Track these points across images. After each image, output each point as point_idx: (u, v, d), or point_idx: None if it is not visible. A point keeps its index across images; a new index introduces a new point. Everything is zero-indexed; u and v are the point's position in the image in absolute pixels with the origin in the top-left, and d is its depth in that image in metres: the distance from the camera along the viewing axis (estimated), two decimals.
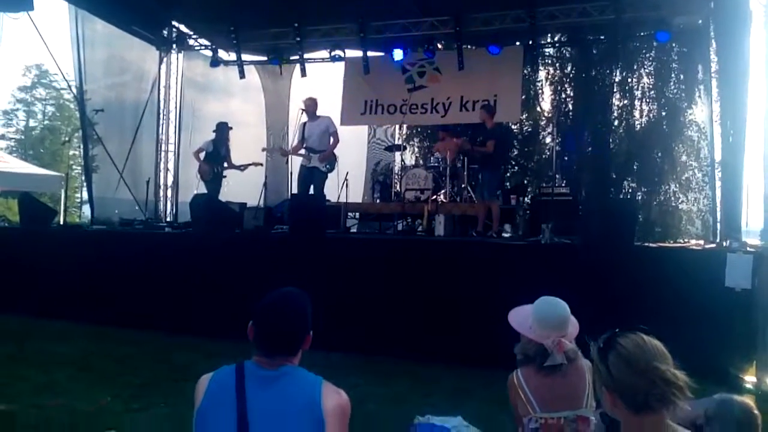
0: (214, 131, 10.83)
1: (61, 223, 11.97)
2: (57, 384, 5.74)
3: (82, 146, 12.94)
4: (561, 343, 2.88)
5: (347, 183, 10.81)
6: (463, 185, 10.60)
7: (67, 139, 29.82)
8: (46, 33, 11.40)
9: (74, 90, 12.56)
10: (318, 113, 10.23)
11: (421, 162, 12.34)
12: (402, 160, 12.30)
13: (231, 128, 10.96)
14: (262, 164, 11.06)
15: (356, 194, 12.18)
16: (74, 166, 28.62)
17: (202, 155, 10.81)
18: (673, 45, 11.81)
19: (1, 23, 10.59)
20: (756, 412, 2.64)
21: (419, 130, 14.39)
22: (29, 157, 35.69)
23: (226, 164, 10.85)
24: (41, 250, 9.14)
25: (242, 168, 10.85)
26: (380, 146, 13.83)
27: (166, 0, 12.07)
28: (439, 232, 9.29)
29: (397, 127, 13.63)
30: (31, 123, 44.50)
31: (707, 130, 10.71)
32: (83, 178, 14.86)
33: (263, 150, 12.47)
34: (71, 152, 27.11)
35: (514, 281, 6.59)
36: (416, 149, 14.58)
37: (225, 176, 10.91)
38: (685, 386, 1.80)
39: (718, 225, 9.30)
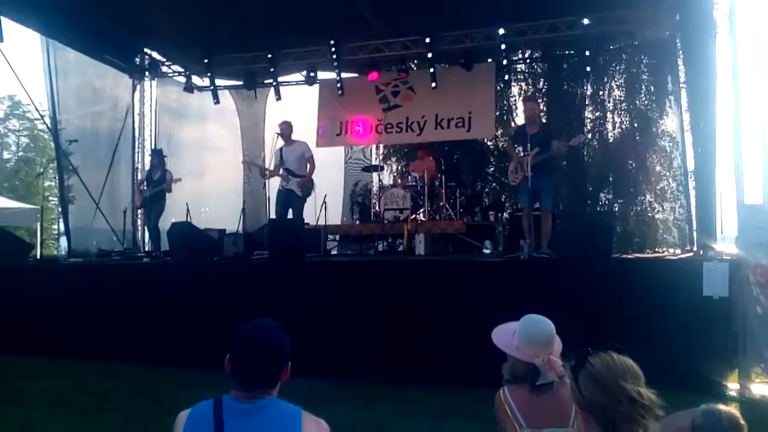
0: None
1: (38, 256, 11.82)
2: (36, 424, 5.60)
3: (57, 177, 12.83)
4: (551, 362, 2.87)
5: (326, 205, 10.80)
6: (441, 203, 10.63)
7: (41, 170, 29.57)
8: (18, 64, 11.31)
9: (48, 121, 12.47)
10: (294, 137, 10.22)
11: (398, 181, 12.37)
12: (380, 180, 12.29)
13: (166, 156, 11.29)
14: (180, 179, 11.04)
15: (335, 216, 12.16)
16: (50, 198, 28.29)
17: (143, 186, 11.17)
18: (643, 57, 11.98)
19: None
20: (742, 422, 2.64)
21: (396, 149, 14.42)
22: (4, 190, 35.18)
23: (152, 187, 10.90)
24: (17, 286, 9.00)
25: (168, 189, 10.84)
26: (357, 167, 13.84)
27: (137, 28, 12.02)
28: (420, 252, 9.30)
29: (374, 147, 13.66)
30: (5, 155, 43.87)
31: (679, 139, 10.87)
32: (59, 209, 14.68)
33: (243, 162, 12.56)
34: (47, 183, 26.80)
35: (496, 298, 6.61)
36: (394, 168, 14.60)
37: (162, 199, 10.90)
38: (653, 405, 1.80)
39: (694, 233, 9.41)
